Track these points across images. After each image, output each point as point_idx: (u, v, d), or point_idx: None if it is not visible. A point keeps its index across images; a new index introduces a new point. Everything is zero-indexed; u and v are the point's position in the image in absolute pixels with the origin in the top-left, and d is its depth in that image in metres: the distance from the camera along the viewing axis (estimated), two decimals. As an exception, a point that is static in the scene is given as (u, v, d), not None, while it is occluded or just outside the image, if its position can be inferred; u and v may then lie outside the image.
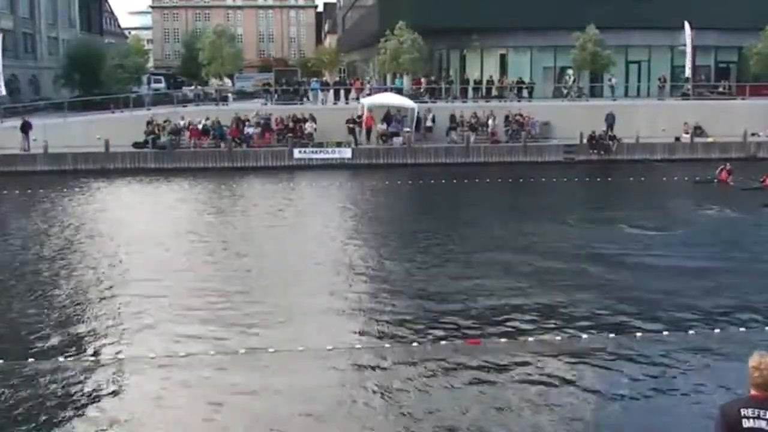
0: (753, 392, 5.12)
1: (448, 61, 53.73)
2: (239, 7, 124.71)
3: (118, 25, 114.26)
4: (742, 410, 5.09)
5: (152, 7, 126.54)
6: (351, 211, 27.75)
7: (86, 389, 11.53)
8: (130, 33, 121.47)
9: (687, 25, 44.03)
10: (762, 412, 5.05)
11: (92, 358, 12.71)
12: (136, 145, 38.54)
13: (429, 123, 40.69)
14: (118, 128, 39.13)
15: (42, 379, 11.86)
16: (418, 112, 40.49)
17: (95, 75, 53.78)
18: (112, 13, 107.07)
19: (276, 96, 45.94)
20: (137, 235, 22.83)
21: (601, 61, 44.66)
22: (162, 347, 13.13)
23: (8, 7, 61.64)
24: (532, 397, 11.06)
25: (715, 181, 30.91)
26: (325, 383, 11.71)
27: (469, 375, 11.88)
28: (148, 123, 39.16)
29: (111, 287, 17.17)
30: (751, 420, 5.05)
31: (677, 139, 40.38)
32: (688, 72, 45.56)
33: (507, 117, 40.71)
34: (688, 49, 44.87)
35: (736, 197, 28.28)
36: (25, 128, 37.83)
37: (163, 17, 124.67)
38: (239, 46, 59.58)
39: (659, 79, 46.96)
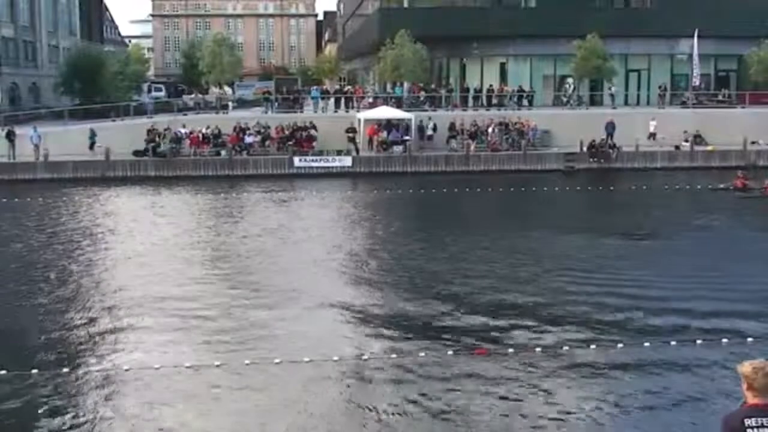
0: (754, 401, 5.08)
1: (448, 70, 53.82)
2: (240, 16, 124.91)
3: (119, 34, 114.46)
4: (745, 420, 5.05)
5: (153, 16, 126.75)
6: (352, 220, 27.71)
7: (88, 400, 11.50)
8: (130, 41, 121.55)
9: (695, 34, 43.91)
10: (766, 421, 5.01)
11: (95, 369, 12.65)
12: (136, 153, 38.55)
13: (430, 132, 40.74)
14: (119, 136, 39.19)
15: (44, 389, 11.82)
16: (420, 121, 40.61)
17: (96, 83, 53.74)
18: (112, 21, 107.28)
19: (276, 104, 45.99)
20: (138, 245, 22.82)
21: (605, 72, 44.73)
22: (166, 358, 13.08)
23: (9, 15, 61.72)
24: (537, 408, 11.04)
25: (731, 188, 30.83)
26: (332, 394, 11.67)
27: (477, 385, 11.85)
28: (149, 131, 39.21)
29: (112, 297, 17.14)
30: (756, 430, 5.01)
31: (677, 147, 40.40)
32: (696, 80, 45.49)
33: (507, 125, 40.74)
34: (695, 58, 44.85)
35: (734, 206, 28.28)
36: (11, 137, 37.86)
37: (164, 26, 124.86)
38: (239, 55, 59.64)
39: (659, 88, 47.02)
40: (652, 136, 40.28)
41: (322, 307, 16.09)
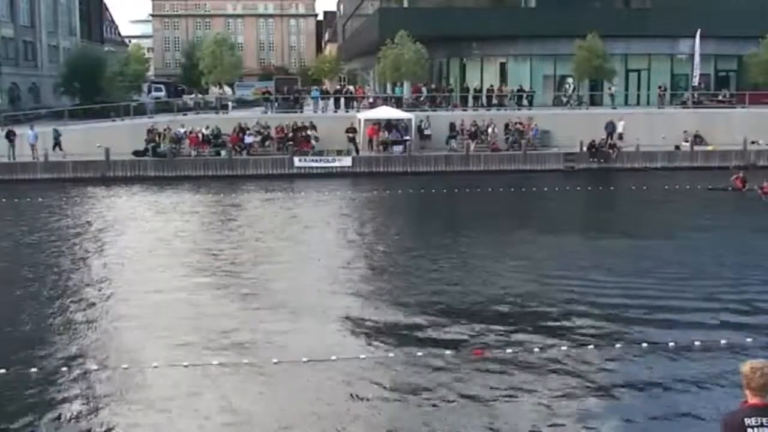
0: (753, 400, 5.10)
1: (448, 70, 53.83)
2: (240, 16, 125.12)
3: (119, 34, 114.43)
4: (745, 420, 5.06)
5: (153, 16, 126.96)
6: (352, 220, 27.71)
7: (88, 399, 11.48)
8: (130, 41, 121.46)
9: (698, 34, 43.90)
10: (765, 420, 5.03)
11: (94, 368, 12.64)
12: (136, 153, 38.54)
13: (428, 131, 40.72)
14: (119, 136, 39.17)
15: (43, 388, 11.82)
16: (420, 121, 40.62)
17: (96, 83, 53.79)
18: (112, 21, 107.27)
19: (276, 104, 46.02)
20: (137, 245, 22.80)
21: (605, 72, 44.75)
22: (164, 357, 13.07)
23: (9, 15, 61.75)
24: (536, 408, 11.03)
25: (730, 188, 30.81)
26: (330, 394, 11.66)
27: (474, 385, 11.84)
28: (149, 131, 39.21)
29: (111, 297, 17.14)
30: (756, 429, 5.02)
31: (677, 147, 40.40)
32: (696, 80, 45.53)
33: (507, 125, 40.75)
34: (697, 58, 44.86)
35: (733, 206, 28.26)
36: (11, 137, 37.83)
37: (164, 26, 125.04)
38: (239, 55, 59.67)
39: (659, 88, 47.03)
40: (620, 136, 40.17)
41: (320, 307, 16.07)
